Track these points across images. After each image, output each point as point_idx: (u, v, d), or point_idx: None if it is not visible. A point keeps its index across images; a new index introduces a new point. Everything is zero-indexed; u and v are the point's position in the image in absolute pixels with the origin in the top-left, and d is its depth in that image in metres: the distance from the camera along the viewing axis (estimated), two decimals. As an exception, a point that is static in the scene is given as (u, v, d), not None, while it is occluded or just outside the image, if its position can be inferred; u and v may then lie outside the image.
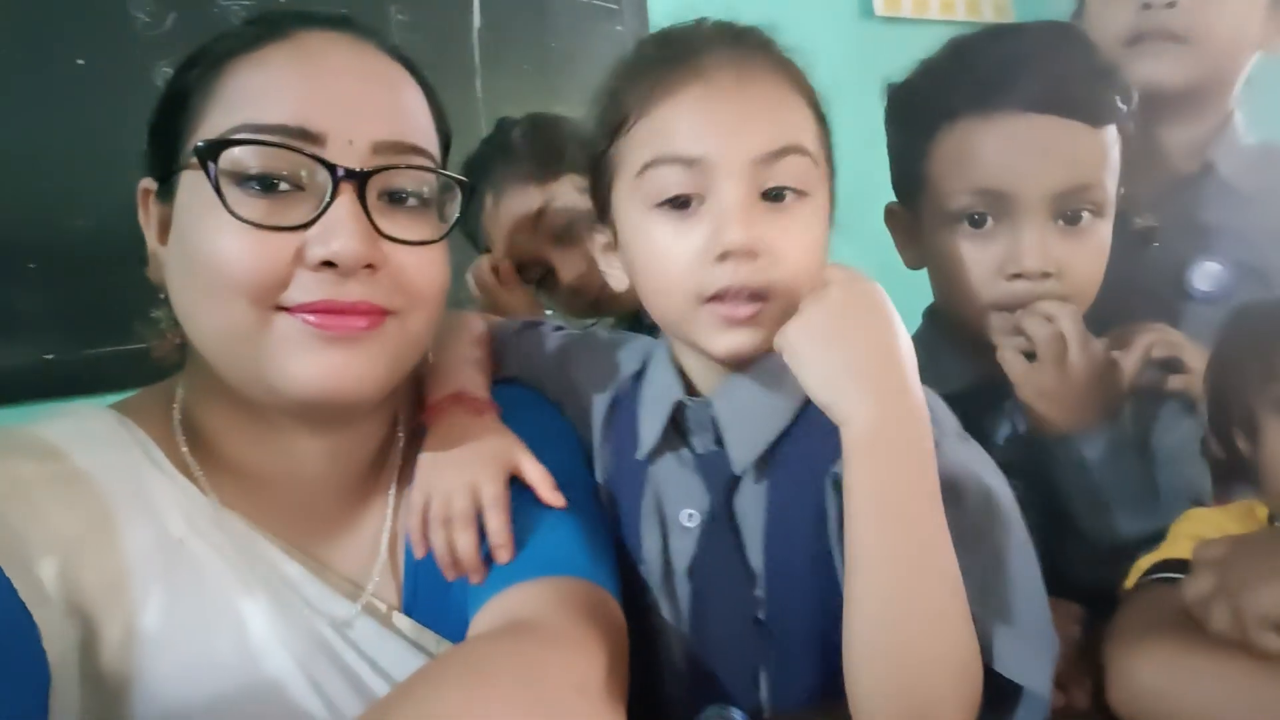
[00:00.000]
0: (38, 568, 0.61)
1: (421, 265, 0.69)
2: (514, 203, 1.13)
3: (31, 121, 1.27)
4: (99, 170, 1.24)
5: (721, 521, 0.74)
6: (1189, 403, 0.90)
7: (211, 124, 0.66)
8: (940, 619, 0.61)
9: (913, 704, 0.60)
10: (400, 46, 0.74)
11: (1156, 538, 0.80)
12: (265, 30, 0.68)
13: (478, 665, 0.58)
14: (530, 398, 0.87)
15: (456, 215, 0.73)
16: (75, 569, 0.63)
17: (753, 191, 0.69)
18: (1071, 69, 0.87)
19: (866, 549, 0.62)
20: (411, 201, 0.70)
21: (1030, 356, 0.86)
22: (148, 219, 0.71)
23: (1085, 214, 0.87)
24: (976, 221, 0.88)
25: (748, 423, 0.73)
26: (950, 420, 0.73)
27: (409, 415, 0.82)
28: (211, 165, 0.63)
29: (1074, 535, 0.87)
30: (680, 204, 0.69)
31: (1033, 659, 0.64)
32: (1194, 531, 0.77)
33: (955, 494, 0.65)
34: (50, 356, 1.29)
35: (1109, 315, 0.89)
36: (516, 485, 0.75)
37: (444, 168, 0.75)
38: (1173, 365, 0.92)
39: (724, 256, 0.67)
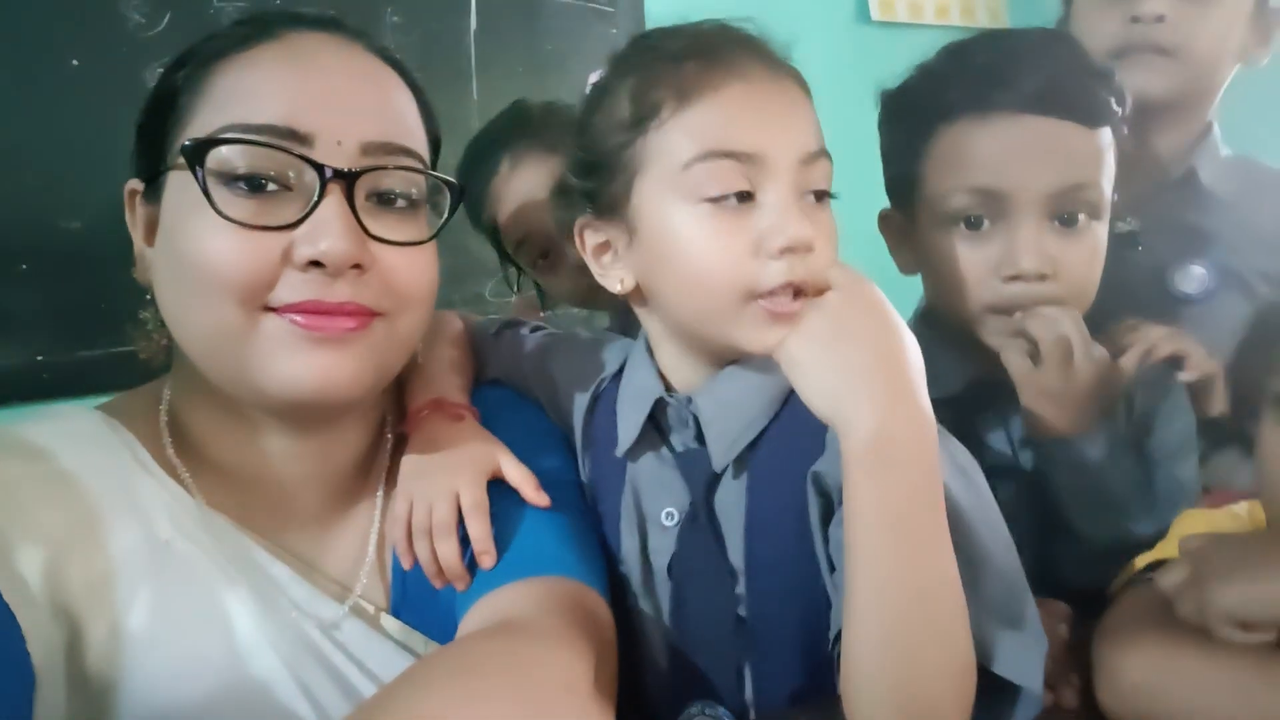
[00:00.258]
0: (23, 568, 0.61)
1: (410, 267, 0.69)
2: (530, 173, 1.09)
3: (25, 122, 1.26)
4: (92, 171, 1.24)
5: (701, 519, 0.74)
6: (1185, 400, 0.90)
7: (200, 124, 0.66)
8: (943, 629, 0.61)
9: (913, 710, 0.60)
10: (391, 48, 0.74)
11: (1154, 539, 0.81)
12: (254, 31, 0.68)
13: (466, 665, 0.58)
14: (512, 399, 0.87)
15: (445, 217, 0.73)
16: (61, 570, 0.62)
17: (798, 189, 0.69)
18: (1067, 71, 0.87)
19: (867, 563, 0.61)
20: (400, 203, 0.69)
21: (1032, 359, 0.86)
22: (134, 220, 0.71)
23: (1081, 215, 0.87)
24: (972, 223, 0.88)
25: (730, 420, 0.73)
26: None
27: (397, 417, 0.82)
28: (199, 165, 0.63)
29: (1065, 536, 0.87)
30: (738, 198, 0.67)
31: (1026, 657, 0.64)
32: (1188, 532, 0.78)
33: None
34: (42, 358, 1.29)
35: (1093, 316, 0.90)
36: (502, 487, 0.75)
37: (434, 169, 0.75)
38: (1175, 363, 0.93)
39: (783, 253, 0.67)
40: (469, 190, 1.10)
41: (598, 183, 0.73)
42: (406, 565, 0.74)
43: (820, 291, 0.67)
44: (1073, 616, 0.79)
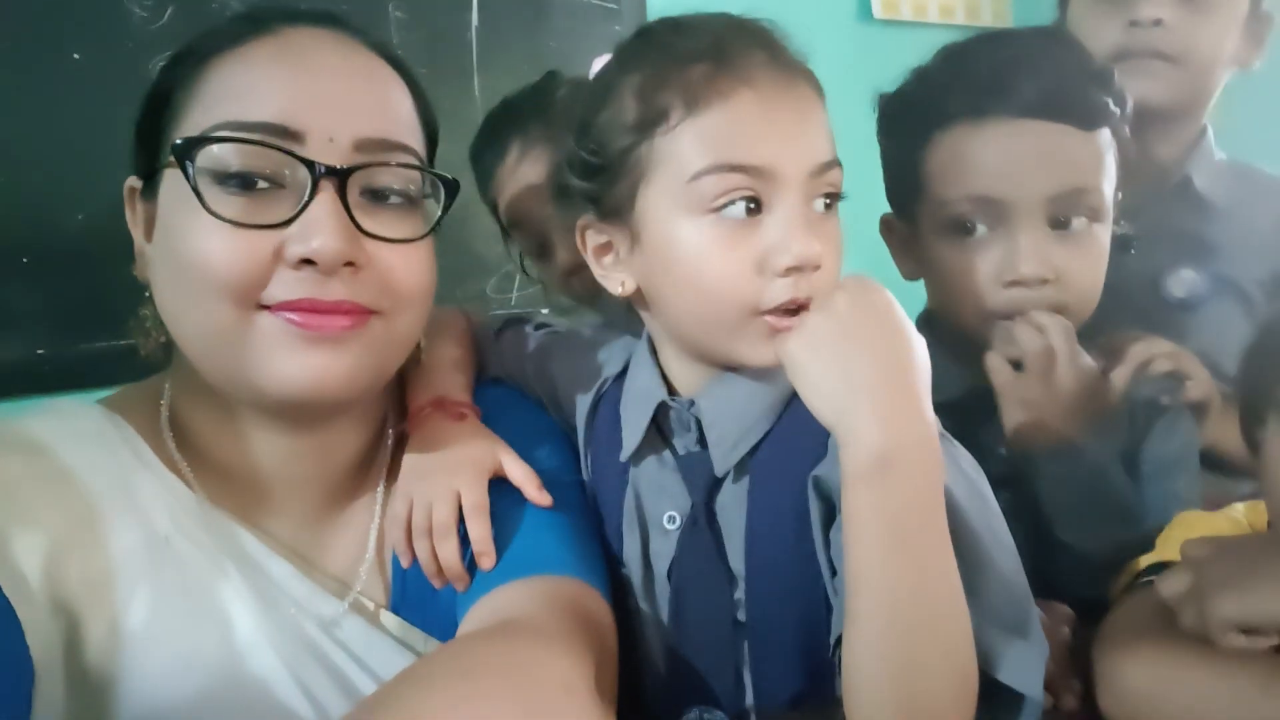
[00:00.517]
0: (23, 564, 0.61)
1: (406, 264, 0.68)
2: (538, 163, 1.06)
3: (26, 116, 1.26)
4: (94, 165, 1.24)
5: (702, 523, 0.74)
6: (1187, 413, 0.90)
7: (193, 122, 0.65)
8: (944, 638, 0.60)
9: (915, 717, 0.60)
10: (393, 44, 0.74)
11: (1138, 546, 0.80)
12: (250, 27, 0.68)
13: (465, 664, 0.58)
14: (514, 397, 0.87)
15: (440, 213, 0.72)
16: (60, 566, 0.62)
17: (808, 202, 0.68)
18: (1063, 73, 0.87)
19: (866, 572, 0.60)
20: (395, 199, 0.69)
21: (1018, 366, 0.86)
22: (134, 217, 0.71)
23: (1082, 219, 0.87)
24: (971, 229, 0.88)
25: (732, 424, 0.73)
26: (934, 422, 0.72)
27: (398, 414, 0.81)
28: (190, 164, 0.63)
29: (1056, 546, 0.86)
30: (746, 212, 0.66)
31: (1029, 665, 0.64)
32: (1187, 535, 0.77)
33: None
34: (43, 351, 1.29)
35: (1088, 322, 0.90)
36: (504, 486, 0.75)
37: (431, 165, 0.74)
38: (1174, 376, 0.92)
39: (789, 271, 0.66)
40: (480, 159, 1.10)
41: (601, 185, 0.71)
42: (405, 564, 0.74)
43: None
44: (1074, 620, 0.79)
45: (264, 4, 0.72)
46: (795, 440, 0.71)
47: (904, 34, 2.15)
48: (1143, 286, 1.10)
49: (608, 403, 0.81)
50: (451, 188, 0.73)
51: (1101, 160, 0.87)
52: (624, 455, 0.77)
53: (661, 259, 0.70)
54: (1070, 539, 0.85)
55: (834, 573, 0.69)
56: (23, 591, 0.60)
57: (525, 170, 1.07)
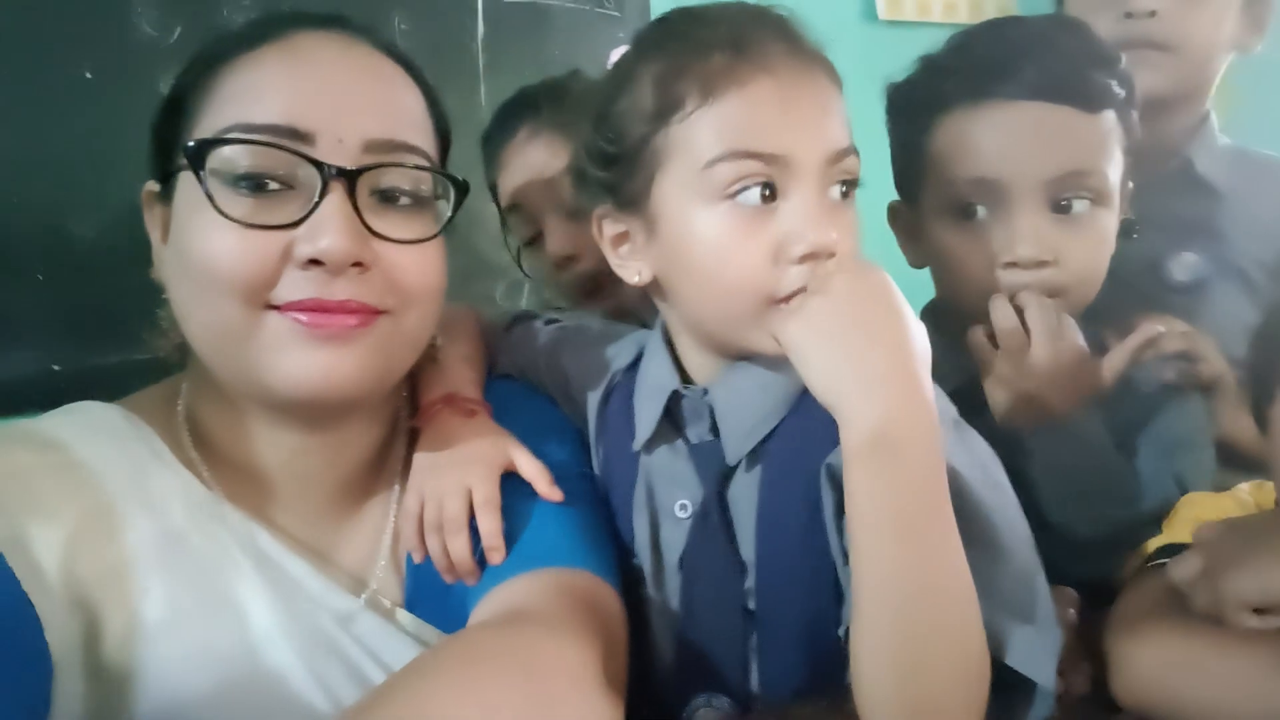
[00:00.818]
0: (40, 558, 0.61)
1: (416, 264, 0.69)
2: (542, 150, 1.06)
3: (38, 133, 1.27)
4: (105, 180, 1.25)
5: (714, 512, 0.74)
6: (1197, 395, 0.89)
7: (205, 125, 0.66)
8: (953, 627, 0.59)
9: (922, 705, 0.59)
10: (399, 46, 0.74)
11: (1140, 528, 0.80)
12: (260, 31, 0.69)
13: (473, 654, 0.58)
14: (523, 392, 0.87)
15: (450, 214, 0.73)
16: (77, 559, 0.63)
17: (824, 190, 0.68)
18: (1066, 55, 0.86)
19: (872, 559, 0.60)
20: (405, 200, 0.69)
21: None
22: (153, 220, 0.72)
23: (1084, 202, 0.86)
24: (973, 212, 0.88)
25: (745, 413, 0.73)
26: (948, 407, 0.72)
27: (411, 412, 0.82)
28: (200, 165, 0.64)
29: (1056, 528, 0.86)
30: (762, 200, 0.66)
31: (1041, 652, 0.63)
32: (1196, 516, 0.77)
33: (954, 486, 0.63)
34: (57, 366, 1.30)
35: (1090, 306, 0.90)
36: (514, 480, 0.75)
37: (444, 166, 0.75)
38: (1185, 356, 0.92)
39: (804, 259, 0.66)
40: (490, 139, 1.11)
41: (618, 174, 0.72)
42: (417, 559, 0.74)
43: None
44: (1080, 602, 0.78)
45: (274, 10, 0.73)
46: (808, 430, 0.71)
47: (909, 34, 2.15)
48: (1146, 270, 1.10)
49: (619, 394, 0.82)
50: (461, 189, 0.73)
51: (1105, 143, 0.87)
52: (637, 444, 0.77)
53: (677, 249, 0.70)
54: (1061, 519, 0.84)
55: (846, 562, 0.68)
56: (40, 585, 0.60)
57: (530, 153, 1.07)
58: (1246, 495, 0.79)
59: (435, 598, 0.75)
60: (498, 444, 0.76)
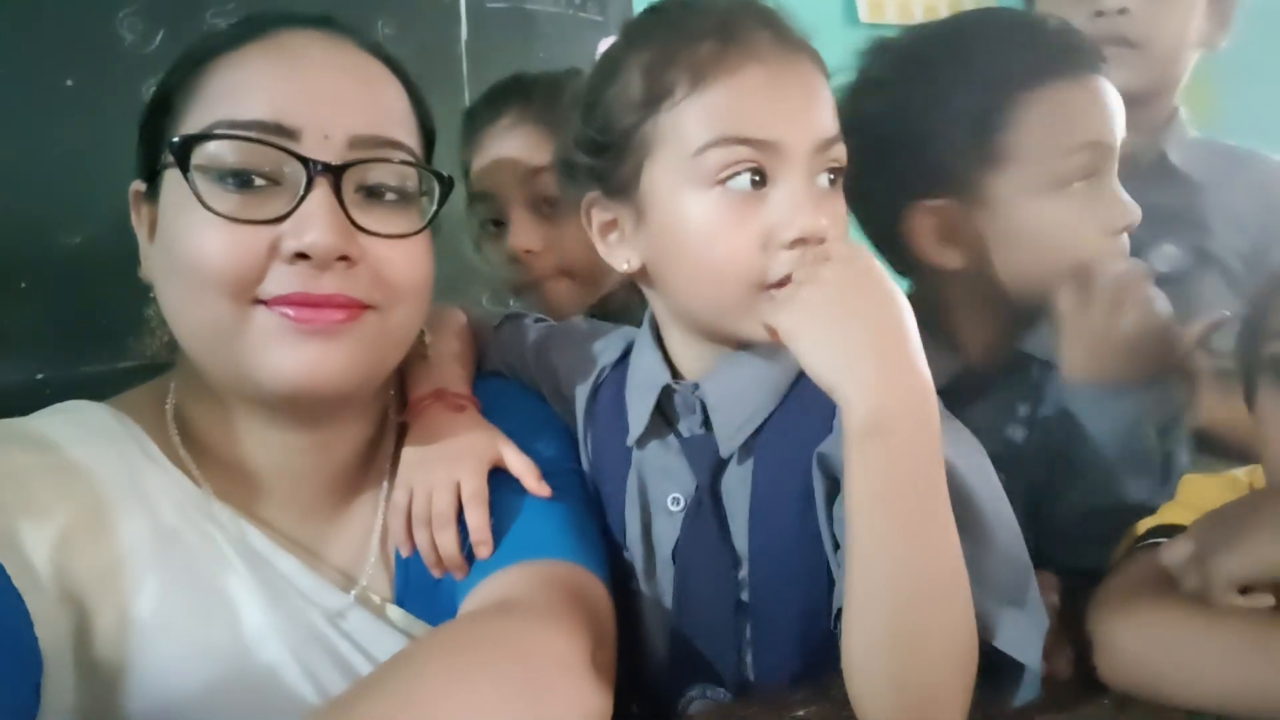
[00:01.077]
0: (31, 555, 0.61)
1: (402, 259, 0.69)
2: (521, 138, 1.05)
3: (21, 142, 1.27)
4: (90, 188, 1.24)
5: (707, 505, 0.74)
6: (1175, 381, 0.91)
7: (191, 122, 0.67)
8: (946, 610, 0.59)
9: (916, 694, 0.59)
10: (384, 45, 0.75)
11: (1134, 514, 0.81)
12: (246, 30, 0.70)
13: (460, 643, 0.58)
14: (512, 389, 0.88)
15: (434, 208, 0.73)
16: (69, 557, 0.63)
17: (813, 177, 0.68)
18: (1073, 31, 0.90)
19: (865, 537, 0.60)
20: (390, 196, 0.70)
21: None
22: (139, 220, 0.72)
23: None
24: (1080, 179, 0.87)
25: (737, 406, 0.73)
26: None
27: (400, 410, 0.82)
28: (186, 162, 0.64)
29: (1059, 515, 0.86)
30: (752, 186, 0.67)
31: (1028, 635, 0.64)
32: (1188, 498, 0.78)
33: (945, 475, 0.63)
34: (43, 375, 1.29)
35: None
36: (502, 476, 0.75)
37: (429, 163, 0.75)
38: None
39: (794, 245, 0.66)
40: (474, 117, 1.10)
41: (606, 162, 0.72)
42: (405, 553, 0.74)
43: None
44: (1061, 586, 0.79)
45: (259, 10, 0.73)
46: (800, 421, 0.71)
47: (889, 38, 2.17)
48: None
49: (608, 389, 0.82)
50: (446, 184, 0.73)
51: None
52: (630, 440, 0.77)
53: (667, 237, 0.70)
54: (1091, 486, 0.85)
55: (836, 547, 0.69)
56: (31, 582, 0.60)
57: (511, 140, 1.05)
58: (1243, 477, 0.79)
59: (425, 593, 0.75)
60: (487, 439, 0.77)
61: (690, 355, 0.76)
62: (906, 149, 0.90)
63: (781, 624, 0.73)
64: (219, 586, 0.68)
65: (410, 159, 0.71)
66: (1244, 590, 0.65)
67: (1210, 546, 0.67)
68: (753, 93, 0.67)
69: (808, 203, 0.67)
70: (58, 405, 0.74)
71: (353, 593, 0.74)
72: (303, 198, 0.65)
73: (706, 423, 0.75)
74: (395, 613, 0.75)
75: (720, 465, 0.74)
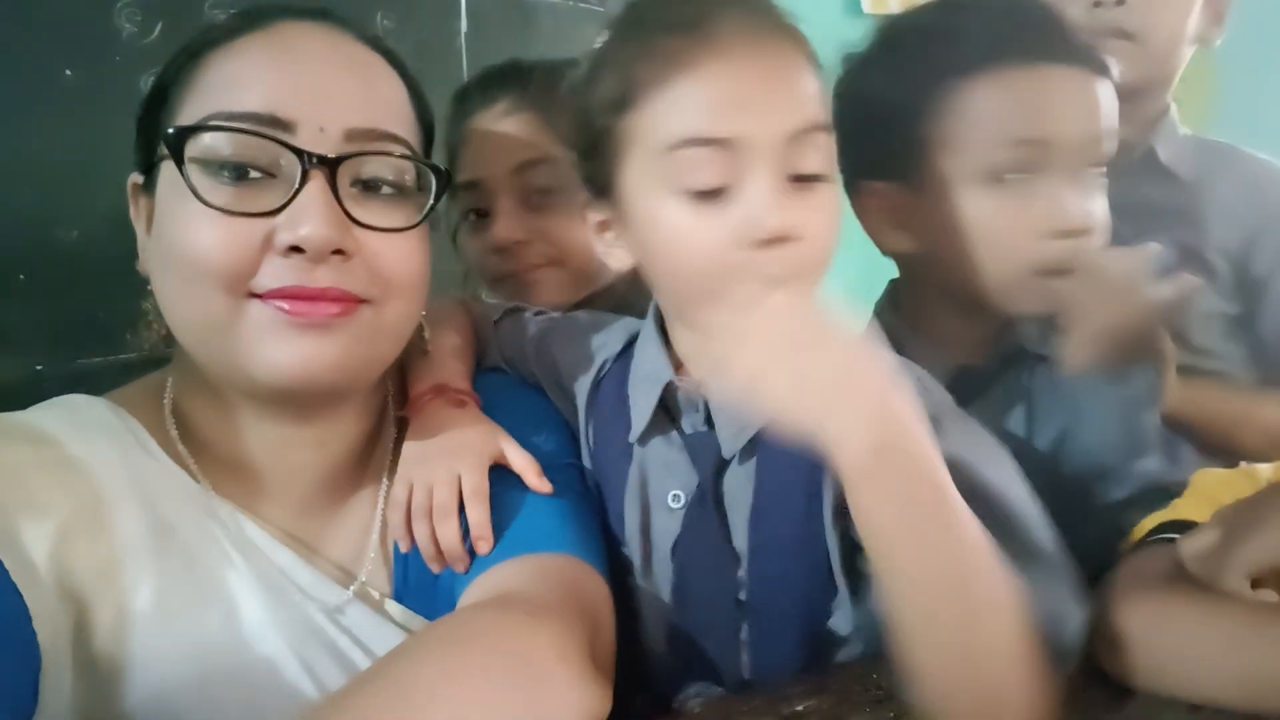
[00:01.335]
0: (30, 550, 0.61)
1: (398, 253, 0.69)
2: (517, 128, 1.00)
3: (19, 134, 1.26)
4: (88, 181, 1.24)
5: (708, 503, 0.74)
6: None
7: (187, 114, 0.66)
8: (991, 615, 0.56)
9: (986, 699, 0.57)
10: (381, 38, 0.74)
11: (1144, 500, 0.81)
12: (243, 22, 0.69)
13: (458, 636, 0.58)
14: (512, 384, 0.87)
15: (431, 202, 0.72)
16: (67, 552, 0.63)
17: (783, 172, 0.66)
18: (1059, 20, 0.87)
19: (895, 574, 0.57)
20: (387, 190, 0.69)
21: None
22: (137, 212, 0.72)
23: (1101, 168, 0.86)
24: (1014, 174, 0.83)
25: (740, 405, 0.73)
26: (944, 397, 0.72)
27: (399, 405, 0.82)
28: (182, 153, 0.64)
29: (1062, 509, 0.86)
30: (718, 185, 0.65)
31: (1070, 608, 0.63)
32: (1200, 491, 0.77)
33: (959, 474, 0.60)
34: (41, 368, 1.29)
35: None
36: (502, 471, 0.75)
37: (428, 157, 0.75)
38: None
39: (762, 245, 0.65)
40: (465, 99, 1.05)
41: (590, 164, 0.72)
42: (404, 547, 0.74)
43: (813, 276, 0.67)
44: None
45: (257, 2, 0.73)
46: None
47: (892, 29, 2.16)
48: None
49: (609, 382, 0.82)
50: (444, 179, 0.73)
51: (1113, 105, 0.87)
52: (633, 436, 0.77)
53: (643, 238, 0.70)
54: (1100, 471, 0.84)
55: (842, 554, 0.69)
56: (30, 577, 0.60)
57: (502, 127, 1.02)
58: (1263, 472, 0.78)
59: (423, 588, 0.75)
60: (487, 435, 0.77)
61: (693, 347, 0.76)
62: (854, 129, 0.86)
63: (780, 623, 0.73)
64: (217, 581, 0.68)
65: (407, 153, 0.71)
66: (1254, 585, 0.65)
67: (1233, 536, 0.66)
68: (713, 88, 0.65)
69: (774, 200, 0.65)
70: (55, 399, 0.73)
71: (351, 588, 0.74)
72: (297, 190, 0.64)
73: (709, 420, 0.74)
74: (394, 608, 0.75)
75: (723, 464, 0.74)
